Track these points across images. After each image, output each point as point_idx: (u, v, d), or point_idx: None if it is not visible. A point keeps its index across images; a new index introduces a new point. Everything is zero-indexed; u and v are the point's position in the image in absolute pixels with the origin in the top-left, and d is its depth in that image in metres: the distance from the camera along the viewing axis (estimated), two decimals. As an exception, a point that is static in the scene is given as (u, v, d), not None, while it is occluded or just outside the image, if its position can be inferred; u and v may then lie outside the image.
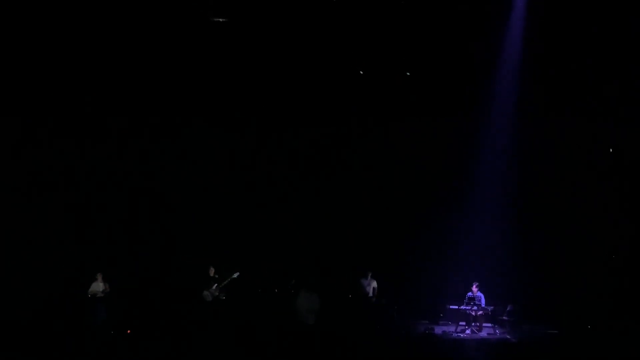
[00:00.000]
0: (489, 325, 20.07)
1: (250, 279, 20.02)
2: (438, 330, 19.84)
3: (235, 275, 18.73)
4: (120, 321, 18.42)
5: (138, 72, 20.23)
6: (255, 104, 21.16)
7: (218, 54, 20.20)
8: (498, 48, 20.48)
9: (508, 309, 20.06)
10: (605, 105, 20.08)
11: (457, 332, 19.65)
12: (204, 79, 20.71)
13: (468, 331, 19.61)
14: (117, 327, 18.25)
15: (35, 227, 19.85)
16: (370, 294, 20.05)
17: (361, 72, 21.70)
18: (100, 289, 18.65)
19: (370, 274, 20.23)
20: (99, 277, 18.69)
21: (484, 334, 19.65)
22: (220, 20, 19.67)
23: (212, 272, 18.94)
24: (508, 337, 19.30)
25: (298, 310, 13.35)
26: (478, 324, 19.78)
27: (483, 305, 19.71)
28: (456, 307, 20.08)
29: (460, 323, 19.96)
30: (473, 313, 19.73)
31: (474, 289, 19.86)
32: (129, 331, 18.19)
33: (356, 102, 21.56)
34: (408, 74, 21.60)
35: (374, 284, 20.20)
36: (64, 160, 20.53)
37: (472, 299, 19.73)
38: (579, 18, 18.87)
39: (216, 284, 18.75)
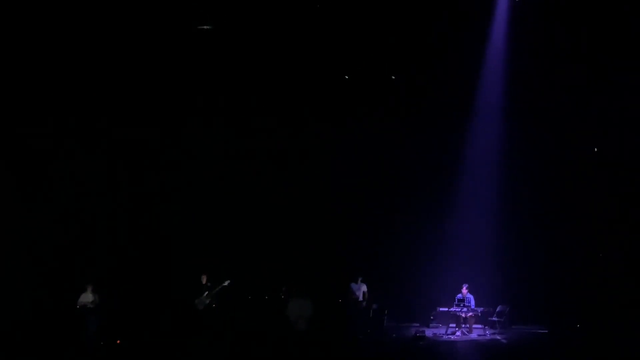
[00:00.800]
0: (479, 326, 20.15)
1: (241, 286, 20.01)
2: (429, 332, 19.86)
3: (226, 283, 18.68)
4: (110, 331, 18.35)
5: (126, 77, 20.18)
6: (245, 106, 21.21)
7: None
8: (484, 49, 20.55)
9: (498, 309, 20.15)
10: (590, 106, 20.22)
11: (448, 334, 19.69)
12: (190, 83, 20.72)
13: (458, 333, 19.66)
14: (107, 338, 18.20)
15: (25, 238, 19.71)
16: (361, 298, 20.04)
17: (346, 77, 21.80)
18: (90, 300, 18.51)
19: (360, 279, 20.23)
20: (89, 288, 18.56)
21: (474, 335, 19.71)
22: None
23: (204, 279, 18.90)
24: (498, 337, 19.36)
25: (290, 316, 13.32)
26: (468, 325, 19.84)
27: (473, 307, 19.77)
28: (446, 309, 20.12)
29: (451, 325, 20.00)
30: (463, 315, 19.79)
31: (464, 290, 19.91)
32: (118, 341, 18.14)
33: (347, 104, 21.69)
34: (393, 77, 21.67)
35: (364, 288, 20.18)
36: (54, 169, 20.41)
37: (462, 300, 19.78)
38: (563, 19, 18.97)
39: (207, 292, 18.70)
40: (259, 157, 21.74)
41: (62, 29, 18.91)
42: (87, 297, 18.51)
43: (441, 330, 20.16)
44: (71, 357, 16.35)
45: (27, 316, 18.58)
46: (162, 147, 21.32)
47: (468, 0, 19.30)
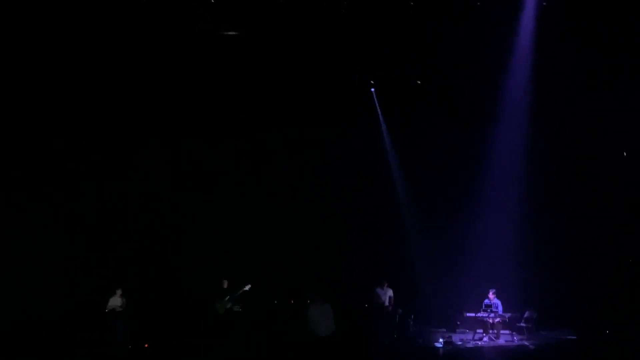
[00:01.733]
0: (507, 332, 19.99)
1: (265, 291, 20.12)
2: (456, 338, 19.76)
3: (247, 287, 18.80)
4: (138, 335, 18.54)
5: (127, 79, 20.36)
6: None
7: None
8: (509, 51, 20.42)
9: (525, 315, 19.99)
10: (616, 108, 20.01)
11: (475, 340, 19.57)
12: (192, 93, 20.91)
13: (486, 339, 19.53)
14: (135, 342, 18.39)
15: (54, 243, 19.96)
16: (387, 303, 20.01)
17: (372, 82, 21.87)
18: (119, 304, 18.71)
19: (386, 283, 20.20)
20: (118, 292, 18.78)
21: (501, 341, 19.56)
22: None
23: (225, 284, 19.02)
24: (526, 343, 19.21)
25: (310, 321, 13.33)
26: (495, 331, 19.70)
27: (500, 312, 19.63)
28: (473, 314, 20.00)
29: (478, 331, 19.89)
30: (490, 320, 19.65)
31: (491, 295, 19.78)
32: (146, 345, 18.31)
33: (362, 107, 21.73)
34: (419, 82, 21.67)
35: (390, 292, 20.15)
36: (71, 176, 20.69)
37: (489, 306, 19.65)
38: (590, 20, 18.78)
39: (228, 296, 18.83)
40: (280, 159, 21.78)
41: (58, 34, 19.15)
42: (116, 301, 18.72)
43: (468, 336, 20.05)
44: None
45: (55, 319, 18.77)
46: (183, 153, 21.51)
47: (494, 2, 19.17)
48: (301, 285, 19.57)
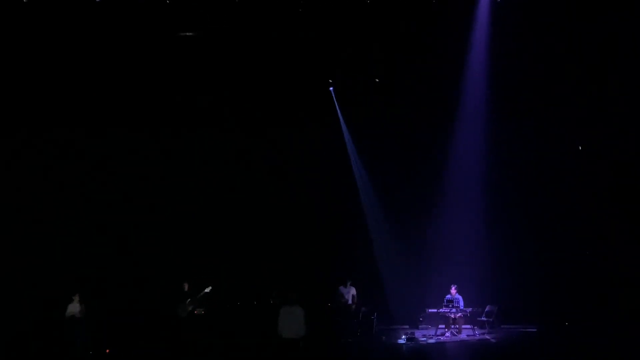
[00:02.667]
0: (469, 326, 20.17)
1: (228, 292, 20.01)
2: (418, 334, 19.82)
3: (208, 289, 18.67)
4: (99, 341, 18.29)
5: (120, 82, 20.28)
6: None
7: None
8: (466, 48, 20.60)
9: (487, 309, 20.19)
10: (573, 104, 20.33)
11: (437, 335, 19.71)
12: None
13: (448, 334, 19.70)
14: (97, 347, 18.14)
15: (12, 248, 19.65)
16: (350, 302, 20.05)
17: (330, 81, 21.90)
18: (77, 310, 18.45)
19: (349, 282, 20.25)
20: (76, 298, 18.49)
21: (463, 335, 19.74)
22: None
23: (186, 287, 18.86)
24: (488, 337, 19.41)
25: (281, 324, 13.26)
26: (457, 326, 19.88)
27: (462, 307, 19.80)
28: (435, 310, 20.15)
29: (440, 326, 20.04)
30: (452, 315, 19.82)
31: (453, 291, 19.96)
32: (107, 350, 18.08)
33: (332, 108, 21.91)
34: (377, 80, 21.76)
35: (353, 291, 20.22)
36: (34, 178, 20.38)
37: (451, 301, 19.83)
38: (546, 16, 19.05)
39: (189, 299, 18.67)
40: (245, 161, 21.70)
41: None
42: (75, 307, 18.45)
43: (431, 332, 20.18)
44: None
45: (15, 327, 18.45)
46: (146, 153, 21.30)
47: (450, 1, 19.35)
48: (268, 286, 19.51)
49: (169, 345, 17.96)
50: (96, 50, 19.59)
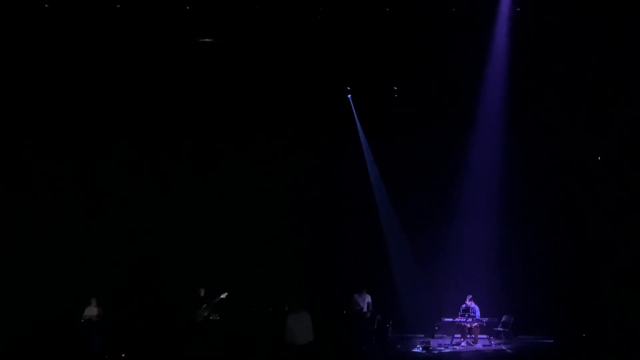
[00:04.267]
0: (485, 336, 20.05)
1: (244, 298, 20.04)
2: (434, 343, 19.77)
3: (224, 295, 18.72)
4: (115, 345, 18.38)
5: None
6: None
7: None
8: (485, 51, 20.53)
9: (503, 319, 20.09)
10: (595, 109, 20.19)
11: (453, 345, 19.62)
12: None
13: (463, 343, 19.58)
14: (112, 351, 18.23)
15: (28, 252, 19.79)
16: (365, 309, 20.00)
17: (349, 88, 21.93)
18: (95, 314, 18.59)
19: (364, 290, 20.20)
20: (93, 301, 18.64)
21: (479, 345, 19.63)
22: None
23: (202, 292, 18.93)
24: (504, 347, 19.29)
25: (288, 329, 13.28)
26: (473, 335, 19.77)
27: (478, 317, 19.70)
28: (451, 319, 20.06)
29: (456, 335, 19.93)
30: (468, 325, 19.72)
31: (468, 301, 19.85)
32: (123, 355, 18.16)
33: (349, 113, 21.96)
34: (395, 88, 21.77)
35: (368, 299, 20.14)
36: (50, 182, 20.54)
37: (467, 310, 19.73)
38: (564, 26, 18.94)
39: (205, 305, 18.73)
40: (262, 168, 21.73)
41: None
42: (92, 311, 18.59)
43: (446, 341, 20.09)
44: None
45: (31, 330, 18.59)
46: (167, 159, 21.44)
47: (469, 8, 19.26)
48: (281, 293, 19.49)
49: (183, 351, 18.01)
50: (109, 55, 19.66)
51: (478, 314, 19.72)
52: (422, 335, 20.98)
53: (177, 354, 17.82)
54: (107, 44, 19.19)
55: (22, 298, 19.15)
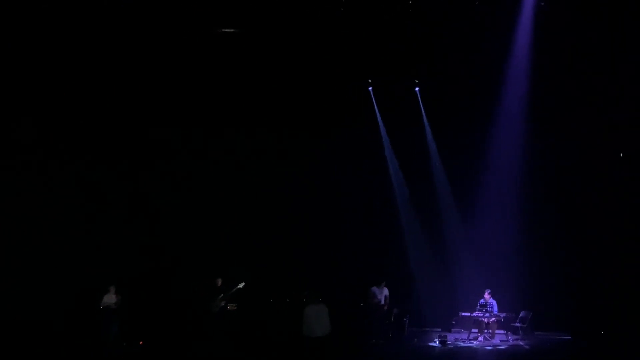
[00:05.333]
0: (502, 332, 19.98)
1: (262, 289, 20.11)
2: (451, 337, 19.74)
3: (241, 285, 18.79)
4: (133, 333, 18.50)
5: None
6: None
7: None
8: (508, 46, 20.38)
9: (521, 315, 19.99)
10: (618, 106, 19.99)
11: (470, 339, 19.57)
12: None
13: (481, 338, 19.51)
14: (130, 339, 18.35)
15: (48, 240, 19.93)
16: (382, 302, 19.99)
17: (370, 81, 21.88)
18: (113, 301, 18.69)
19: (383, 283, 20.16)
20: (112, 289, 18.75)
21: (496, 340, 19.55)
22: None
23: (219, 282, 18.99)
24: (521, 343, 19.20)
25: (305, 321, 13.30)
26: (490, 330, 19.70)
27: (495, 312, 19.62)
28: (468, 314, 20.01)
29: (473, 330, 19.87)
30: (485, 320, 19.64)
31: (486, 296, 19.77)
32: (141, 342, 18.28)
33: (360, 106, 21.88)
34: (417, 81, 21.71)
35: (386, 292, 20.12)
36: (72, 172, 20.69)
37: (485, 305, 19.65)
38: (589, 22, 18.75)
39: (222, 294, 18.80)
40: (281, 159, 21.74)
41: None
42: (111, 298, 18.69)
43: (463, 336, 20.05)
44: (94, 357, 16.48)
45: (50, 318, 18.74)
46: (185, 148, 21.51)
47: (493, 1, 19.14)
48: (298, 285, 19.51)
49: (200, 340, 18.10)
50: (118, 50, 19.76)
51: (496, 309, 19.64)
52: (439, 330, 20.99)
53: (194, 343, 17.90)
54: (111, 38, 19.33)
55: (42, 284, 19.32)
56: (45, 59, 19.51)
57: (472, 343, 19.28)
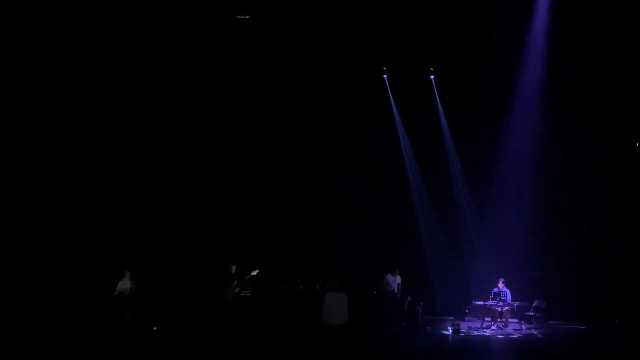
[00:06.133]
0: (515, 321, 19.97)
1: (276, 276, 20.15)
2: (464, 326, 19.76)
3: (255, 272, 18.84)
4: (147, 318, 18.58)
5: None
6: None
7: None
8: (524, 41, 20.27)
9: (534, 304, 19.97)
10: (631, 101, 19.85)
11: (483, 328, 19.58)
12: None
13: (494, 327, 19.52)
14: (144, 324, 18.44)
15: (62, 227, 20.06)
16: (395, 290, 20.00)
17: (385, 69, 21.81)
18: (128, 287, 18.80)
19: (397, 270, 20.17)
20: (127, 275, 18.85)
21: (509, 329, 19.56)
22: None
23: (233, 269, 19.04)
24: (534, 332, 19.19)
25: (324, 308, 13.33)
26: (504, 319, 19.69)
27: (509, 301, 19.60)
28: (482, 302, 20.00)
29: (486, 319, 19.88)
30: (499, 309, 19.64)
31: (500, 285, 19.77)
32: (155, 328, 18.36)
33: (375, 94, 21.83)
34: (432, 69, 21.62)
35: (399, 280, 20.15)
36: (84, 161, 20.80)
37: (498, 294, 19.64)
38: (606, 12, 18.60)
39: (236, 281, 18.85)
40: (295, 146, 21.72)
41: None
42: (125, 284, 18.79)
43: (476, 324, 20.06)
44: (108, 342, 16.57)
45: (65, 303, 18.85)
46: (198, 137, 21.54)
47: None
48: (313, 272, 19.55)
49: (214, 326, 18.16)
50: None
51: (509, 297, 19.63)
52: (453, 318, 21.00)
53: (208, 330, 17.95)
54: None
55: (58, 269, 19.46)
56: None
57: (485, 332, 19.28)
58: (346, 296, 13.58)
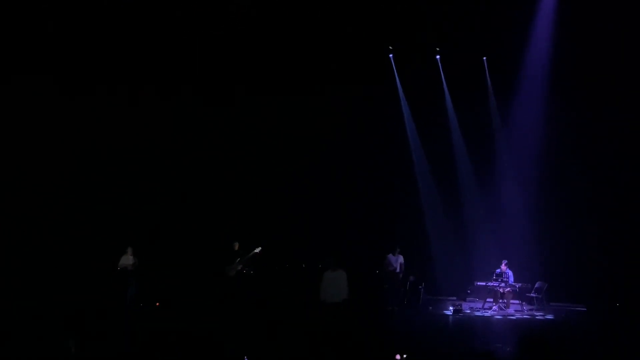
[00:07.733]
0: (517, 302, 19.96)
1: (278, 254, 20.19)
2: (465, 306, 19.79)
3: (257, 250, 18.85)
4: (150, 294, 18.66)
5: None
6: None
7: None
8: (530, 23, 20.11)
9: (536, 286, 19.95)
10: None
11: (485, 309, 19.59)
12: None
13: (495, 308, 19.54)
14: (147, 300, 18.51)
15: (61, 202, 20.14)
16: (397, 270, 20.02)
17: (390, 47, 21.69)
18: (130, 262, 18.86)
19: (398, 250, 20.18)
20: (129, 250, 18.90)
21: (511, 310, 19.57)
22: None
23: (236, 247, 19.05)
24: (536, 314, 19.19)
25: (324, 290, 13.35)
26: (505, 300, 19.70)
27: (511, 282, 19.59)
28: (484, 283, 19.99)
29: (488, 300, 19.89)
30: (501, 289, 19.64)
31: (503, 266, 19.73)
32: (157, 304, 18.44)
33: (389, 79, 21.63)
34: (438, 49, 21.49)
35: (401, 259, 20.15)
36: (92, 141, 20.83)
37: (500, 275, 19.63)
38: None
39: (239, 259, 18.88)
40: (300, 125, 21.62)
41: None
42: (128, 260, 18.85)
43: (478, 304, 20.08)
44: (111, 319, 16.64)
45: (67, 279, 18.94)
46: (202, 116, 21.51)
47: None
48: (315, 251, 19.57)
49: (216, 302, 18.23)
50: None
51: (512, 279, 19.62)
52: (454, 298, 21.02)
53: (210, 307, 18.02)
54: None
55: (60, 245, 19.55)
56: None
57: (487, 312, 19.31)
58: (345, 274, 13.57)
